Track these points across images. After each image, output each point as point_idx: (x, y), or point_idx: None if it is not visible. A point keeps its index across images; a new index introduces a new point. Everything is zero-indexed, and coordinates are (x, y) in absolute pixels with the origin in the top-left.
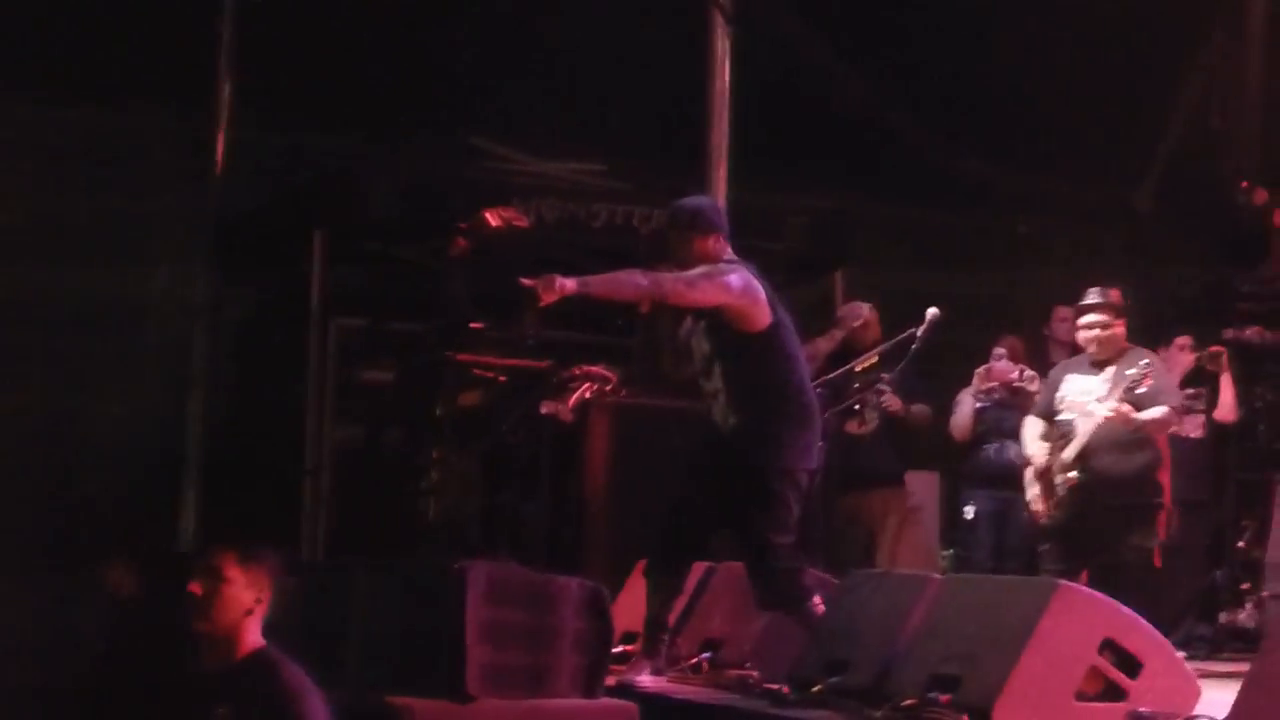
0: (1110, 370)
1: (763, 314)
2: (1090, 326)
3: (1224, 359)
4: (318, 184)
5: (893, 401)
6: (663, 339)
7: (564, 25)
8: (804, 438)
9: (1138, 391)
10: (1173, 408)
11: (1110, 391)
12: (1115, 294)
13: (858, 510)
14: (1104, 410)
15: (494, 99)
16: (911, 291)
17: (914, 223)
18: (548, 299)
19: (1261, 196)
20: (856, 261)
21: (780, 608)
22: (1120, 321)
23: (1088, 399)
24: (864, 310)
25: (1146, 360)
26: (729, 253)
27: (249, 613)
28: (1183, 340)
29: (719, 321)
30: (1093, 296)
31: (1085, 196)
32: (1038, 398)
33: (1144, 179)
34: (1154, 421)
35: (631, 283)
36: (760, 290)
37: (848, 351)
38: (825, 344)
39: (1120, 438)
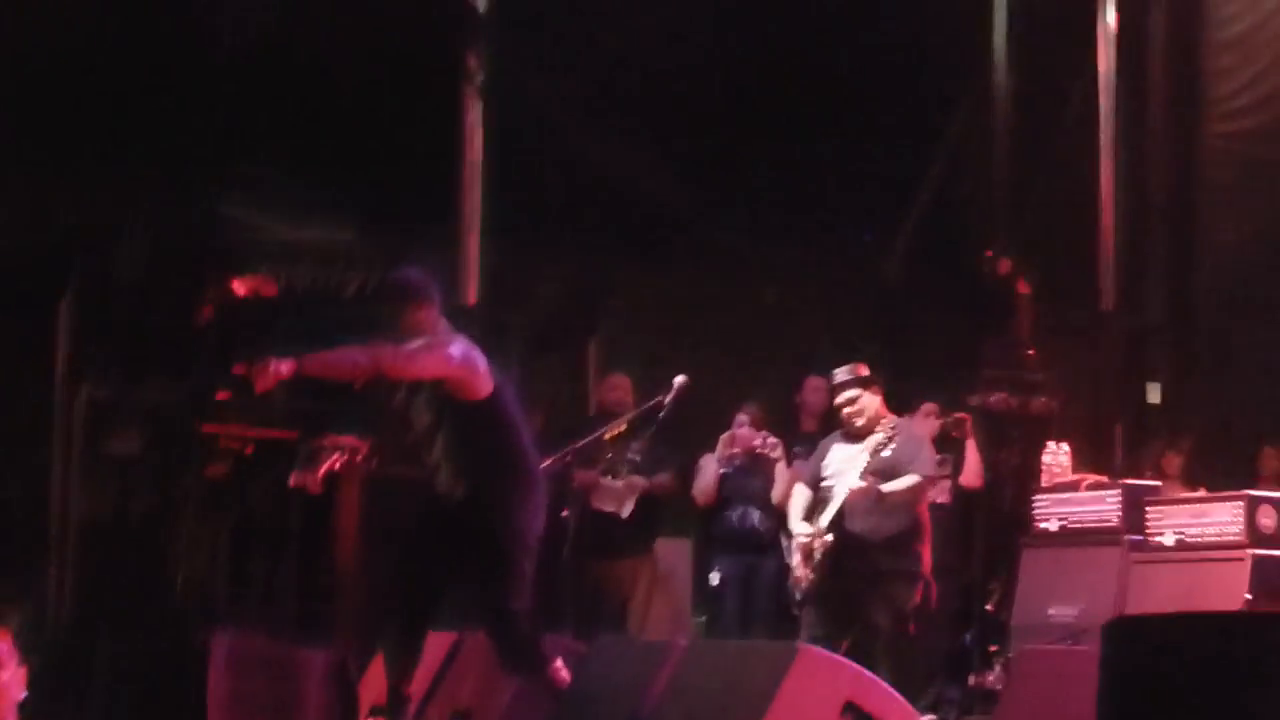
0: (870, 440)
1: (483, 383)
2: (846, 404)
3: (968, 425)
4: (64, 251)
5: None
6: (378, 408)
7: (313, 90)
8: (531, 502)
9: (883, 455)
10: (925, 476)
11: (863, 461)
12: (862, 368)
13: (608, 579)
14: (848, 484)
15: (242, 165)
16: (662, 359)
17: (665, 291)
18: (263, 385)
19: (1005, 266)
20: (609, 330)
21: (521, 673)
22: (873, 389)
23: (848, 468)
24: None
25: (893, 425)
26: (443, 323)
27: None
28: (928, 407)
29: (441, 392)
30: (841, 375)
31: (833, 265)
32: (806, 466)
33: (891, 248)
34: (900, 492)
35: (349, 360)
36: (479, 359)
37: (600, 419)
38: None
39: (874, 505)
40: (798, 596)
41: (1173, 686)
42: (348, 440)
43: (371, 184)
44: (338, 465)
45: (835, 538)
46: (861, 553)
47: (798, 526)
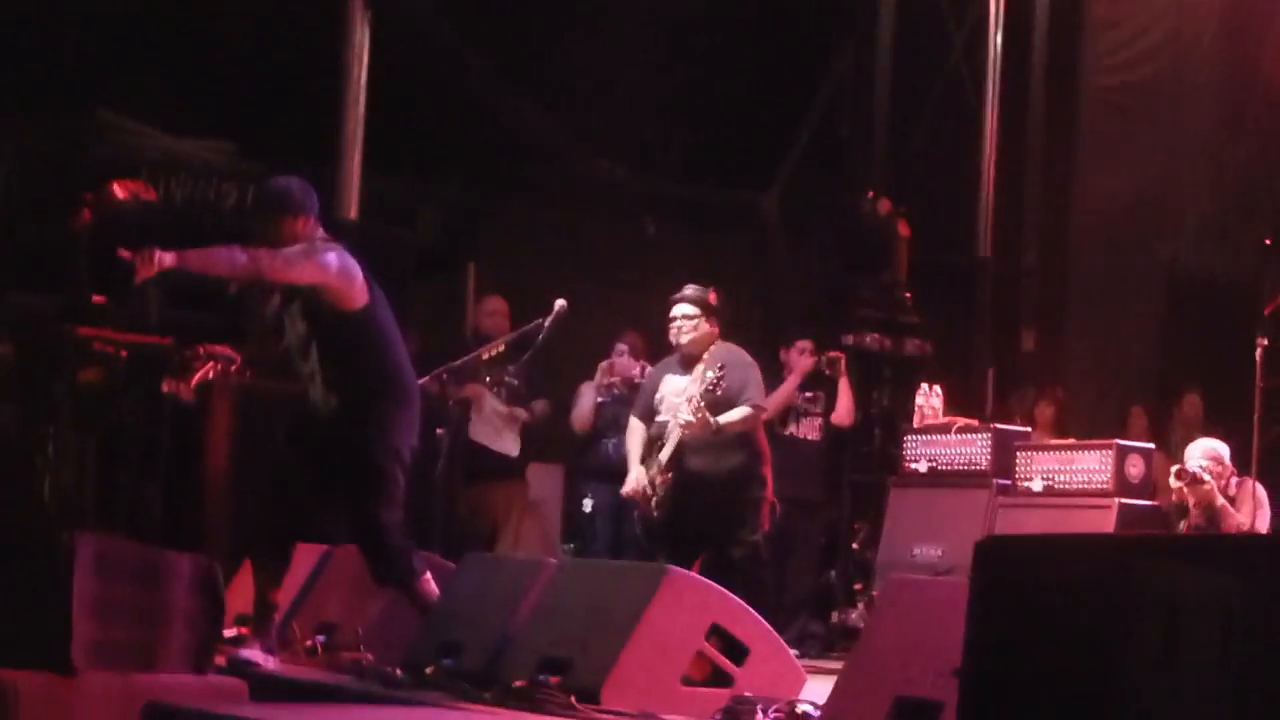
0: (699, 369)
1: (359, 293)
2: (675, 319)
3: (842, 364)
4: None
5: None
6: (251, 318)
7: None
8: (405, 415)
9: (717, 394)
10: (755, 404)
11: (694, 394)
12: (710, 293)
13: (481, 502)
14: (683, 417)
15: (123, 73)
16: (541, 287)
17: (545, 220)
18: (145, 273)
19: (886, 206)
20: (489, 256)
21: (392, 583)
22: (711, 320)
23: (679, 400)
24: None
25: (721, 364)
26: (320, 233)
27: None
28: (803, 344)
29: (315, 301)
30: (687, 290)
31: (712, 200)
32: (636, 401)
33: (771, 185)
34: (735, 423)
35: (229, 258)
36: (357, 270)
37: (477, 341)
38: None
39: (710, 438)
40: (646, 539)
41: (1042, 605)
42: (221, 350)
43: (254, 98)
44: (211, 374)
45: (675, 476)
46: (704, 488)
47: (634, 469)
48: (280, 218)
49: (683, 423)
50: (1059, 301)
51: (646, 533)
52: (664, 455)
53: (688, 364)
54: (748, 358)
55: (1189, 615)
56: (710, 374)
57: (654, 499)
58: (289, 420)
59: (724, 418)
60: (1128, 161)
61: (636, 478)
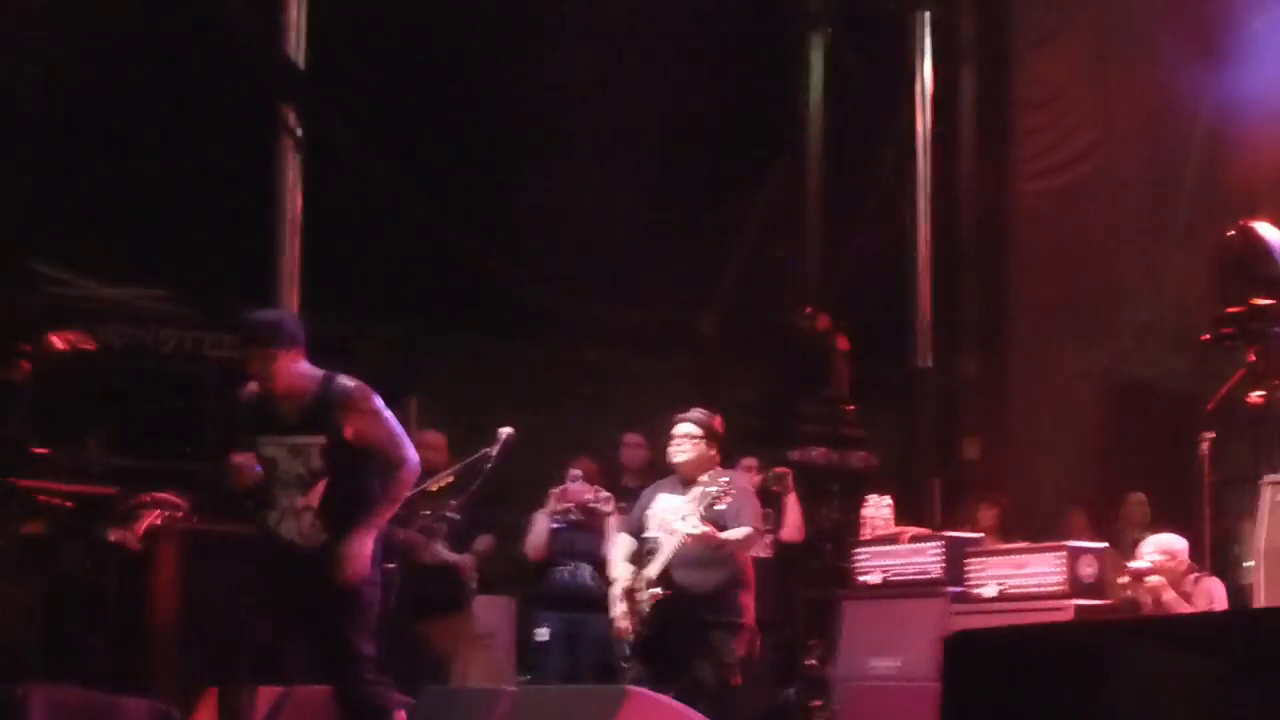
0: (696, 490)
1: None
2: (677, 437)
3: (789, 480)
4: None
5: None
6: (222, 453)
7: (124, 148)
8: (375, 546)
9: (717, 509)
10: (755, 528)
11: (693, 510)
12: (717, 418)
13: (428, 637)
14: (686, 529)
15: (54, 224)
16: (484, 420)
17: (484, 351)
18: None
19: (824, 321)
20: (430, 389)
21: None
22: (712, 444)
23: (673, 517)
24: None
25: (726, 478)
26: (308, 365)
27: None
28: (748, 462)
29: (355, 447)
30: (694, 412)
31: (650, 323)
32: (628, 516)
33: (708, 306)
34: (737, 542)
35: (400, 491)
36: None
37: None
38: None
39: (701, 555)
40: (626, 650)
41: (1015, 696)
42: (167, 497)
43: (187, 242)
44: (158, 521)
45: (663, 589)
46: (687, 605)
47: (619, 570)
48: (275, 351)
49: (692, 533)
50: (1000, 409)
51: (622, 651)
52: (652, 569)
53: (684, 484)
54: (746, 484)
55: (1165, 698)
56: (713, 489)
57: (638, 616)
58: (248, 561)
59: (727, 534)
60: (1061, 267)
61: (626, 574)
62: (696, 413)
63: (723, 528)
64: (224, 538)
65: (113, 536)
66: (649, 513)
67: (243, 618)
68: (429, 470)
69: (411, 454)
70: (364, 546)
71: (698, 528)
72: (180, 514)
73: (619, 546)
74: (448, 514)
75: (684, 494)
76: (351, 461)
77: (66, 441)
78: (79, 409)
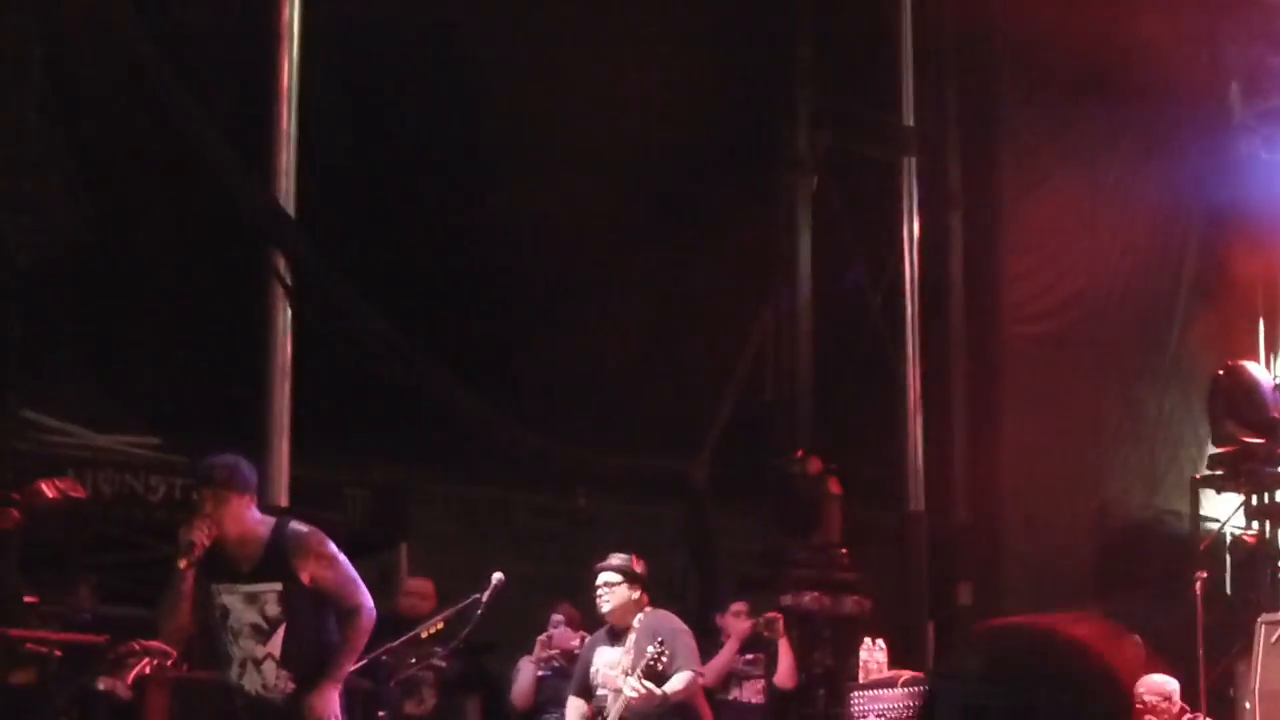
0: (630, 639)
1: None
2: (600, 586)
3: (780, 625)
4: None
5: None
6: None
7: (115, 295)
8: (341, 697)
9: (658, 669)
10: (695, 671)
11: (633, 667)
12: (635, 561)
13: None
14: (628, 691)
15: (43, 373)
16: (474, 566)
17: (475, 497)
18: None
19: (816, 465)
20: (420, 535)
21: None
22: (634, 586)
23: (615, 672)
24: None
25: (660, 637)
26: (259, 513)
27: None
28: (739, 607)
29: (312, 592)
30: (612, 559)
31: (641, 469)
32: (573, 678)
33: (699, 452)
34: (680, 691)
35: (359, 640)
36: None
37: (401, 624)
38: None
39: (650, 711)
40: None
41: None
42: (156, 645)
43: (176, 391)
44: (147, 670)
45: None
46: None
47: None
48: (228, 495)
49: (631, 695)
50: (993, 553)
51: None
52: None
53: (616, 635)
54: (678, 623)
55: None
56: (651, 649)
57: None
58: (224, 710)
59: (668, 687)
60: (1051, 409)
61: None
62: (614, 559)
63: (664, 676)
64: (213, 685)
65: (102, 685)
66: (593, 670)
67: None
68: (416, 618)
69: (367, 600)
70: (331, 698)
71: (638, 690)
72: (170, 662)
73: (571, 711)
74: (435, 662)
75: (619, 645)
76: (310, 608)
77: (56, 589)
78: (68, 557)
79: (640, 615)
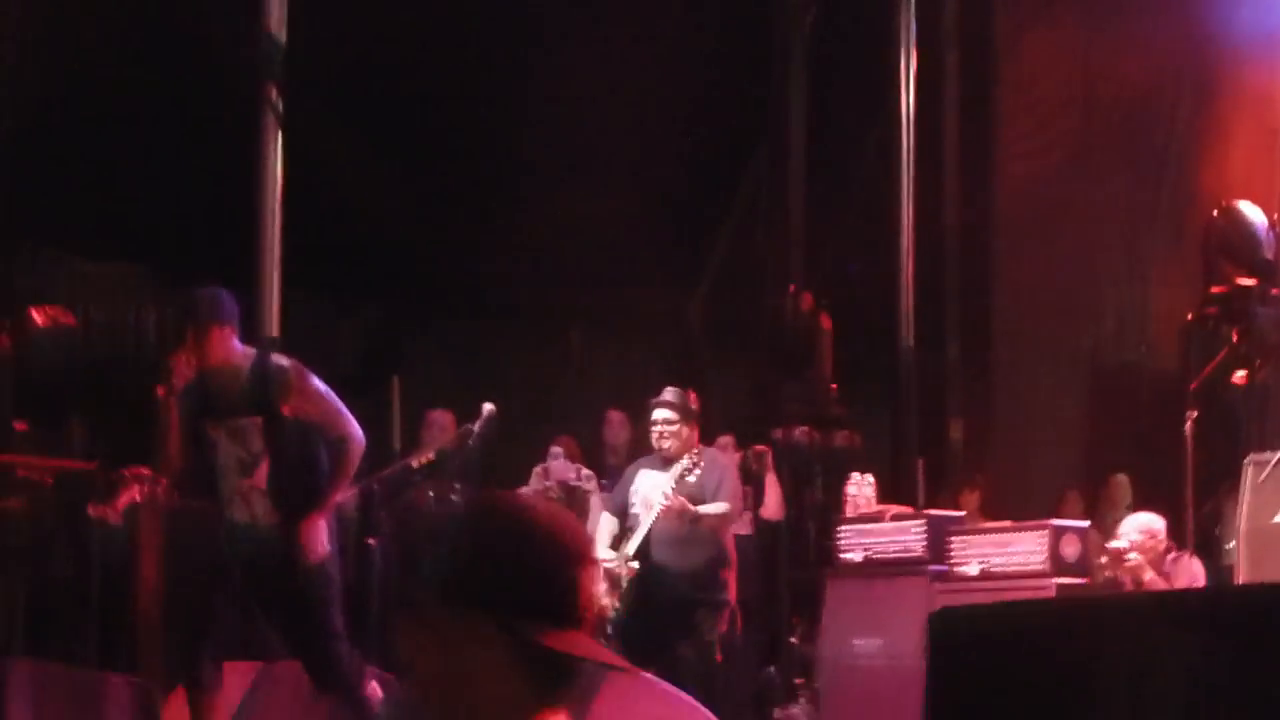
0: (678, 467)
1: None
2: (657, 423)
3: (768, 458)
4: None
5: None
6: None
7: (109, 124)
8: (328, 521)
9: (689, 480)
10: (733, 505)
11: (670, 485)
12: (690, 395)
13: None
14: (661, 500)
15: (35, 199)
16: (468, 400)
17: (469, 333)
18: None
19: (808, 302)
20: (414, 371)
21: (336, 691)
22: (692, 424)
23: (655, 494)
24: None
25: (698, 451)
26: (239, 345)
27: None
28: (724, 440)
29: (294, 423)
30: (666, 394)
31: (636, 307)
32: (612, 494)
33: (692, 289)
34: (713, 516)
35: (349, 468)
36: None
37: (397, 457)
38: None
39: (681, 533)
40: (608, 629)
41: (1003, 673)
42: (146, 472)
43: (170, 221)
44: (138, 497)
45: (641, 566)
46: (668, 582)
47: (604, 553)
48: (210, 326)
49: (661, 506)
50: (984, 391)
51: (607, 627)
52: (631, 545)
53: (668, 464)
54: (725, 460)
55: (1153, 675)
56: (684, 464)
57: (618, 590)
58: (215, 540)
59: (702, 508)
60: (1045, 248)
61: (609, 556)
62: (670, 394)
63: (700, 502)
64: (204, 514)
65: (93, 511)
66: (633, 489)
67: (211, 597)
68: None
69: (355, 430)
70: (319, 527)
71: (670, 500)
72: (161, 490)
73: (602, 525)
74: (452, 495)
75: (666, 471)
76: (295, 440)
77: (48, 423)
78: (60, 387)
79: (695, 450)
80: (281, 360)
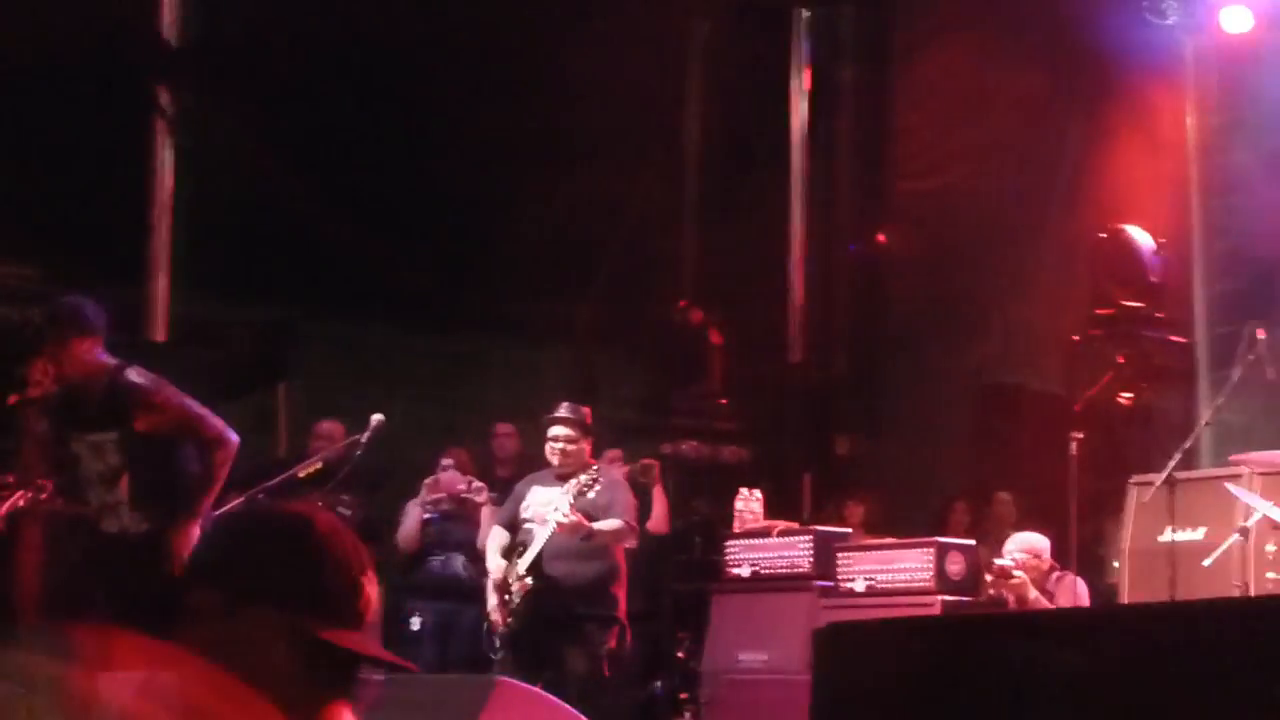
0: (572, 484)
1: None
2: (556, 439)
3: (655, 471)
4: None
5: None
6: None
7: None
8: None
9: (589, 497)
10: (628, 522)
11: (565, 500)
12: (585, 411)
13: None
14: (557, 518)
15: None
16: (356, 406)
17: (358, 337)
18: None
19: (698, 316)
20: (301, 375)
21: None
22: (587, 439)
23: (548, 509)
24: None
25: (596, 468)
26: (104, 355)
27: None
28: (613, 453)
29: (148, 436)
30: (563, 411)
31: (527, 314)
32: (502, 509)
33: (584, 298)
34: (607, 533)
35: (220, 472)
36: None
37: (276, 468)
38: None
39: (575, 548)
40: (495, 641)
41: (888, 688)
42: (20, 477)
43: (59, 221)
44: (21, 502)
45: (534, 581)
46: (559, 596)
47: (494, 562)
48: (70, 337)
49: (558, 522)
50: (872, 407)
51: (494, 643)
52: (524, 561)
53: (561, 478)
54: (620, 477)
55: (1030, 690)
56: (583, 480)
57: (509, 605)
58: (85, 548)
59: (598, 525)
60: (934, 267)
61: (500, 567)
62: (567, 410)
63: (594, 519)
64: (83, 520)
65: None
66: (524, 505)
67: (80, 605)
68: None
69: (224, 432)
70: (190, 534)
71: (568, 517)
72: (45, 495)
73: (493, 538)
74: (340, 509)
75: (559, 486)
76: (157, 451)
77: None
78: None
79: (595, 467)
80: (135, 379)
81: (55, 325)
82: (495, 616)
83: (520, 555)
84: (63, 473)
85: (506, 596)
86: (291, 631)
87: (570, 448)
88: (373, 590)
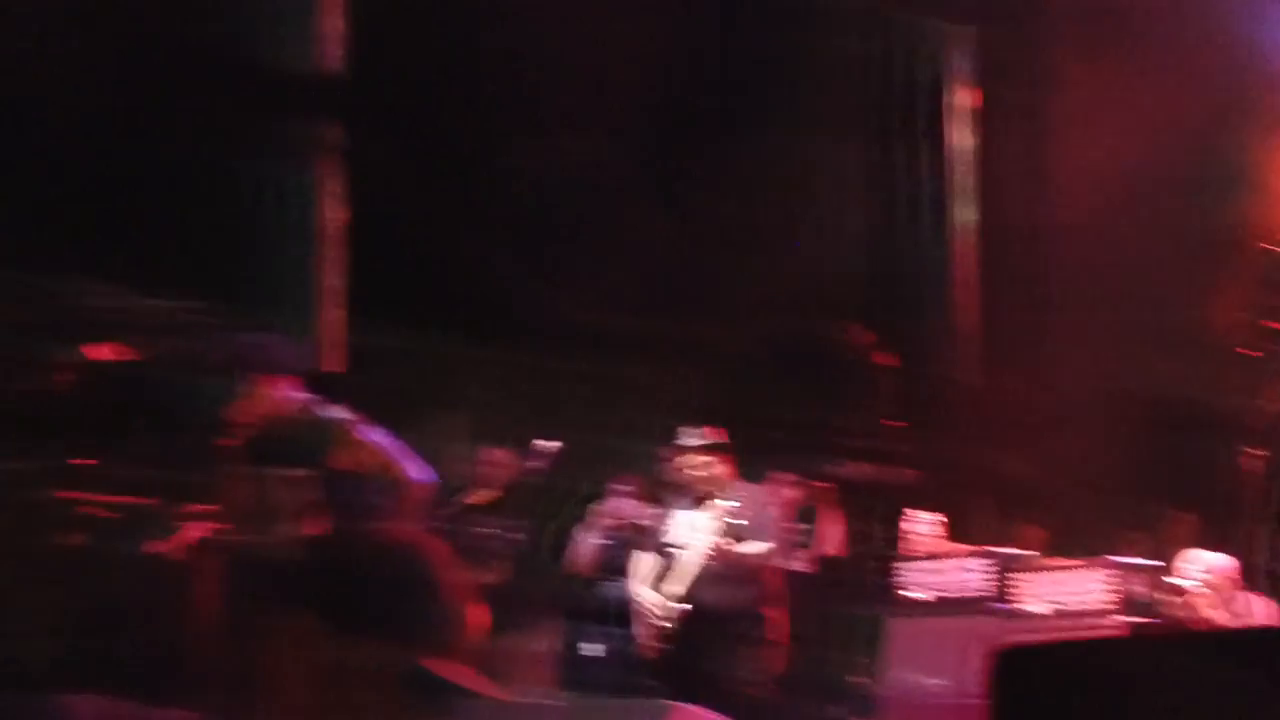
0: (715, 505)
1: None
2: (693, 466)
3: (829, 496)
4: None
5: None
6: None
7: (169, 159)
8: None
9: (732, 519)
10: (774, 543)
11: (711, 526)
12: (714, 432)
13: None
14: (703, 545)
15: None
16: (510, 434)
17: (527, 365)
18: None
19: (867, 337)
20: (472, 403)
21: None
22: (723, 458)
23: (692, 534)
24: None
25: (736, 487)
26: (299, 390)
27: None
28: (784, 477)
29: (349, 469)
30: (692, 438)
31: (693, 340)
32: (649, 535)
33: (748, 320)
34: (754, 556)
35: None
36: None
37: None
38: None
39: (723, 572)
40: (647, 667)
41: (1071, 712)
42: (208, 508)
43: (231, 254)
44: (199, 534)
45: (682, 606)
46: (710, 622)
47: (645, 594)
48: (265, 374)
49: (707, 550)
50: (1045, 425)
51: (648, 668)
52: (674, 587)
53: (700, 500)
54: (764, 497)
55: (1216, 712)
56: (729, 505)
57: (660, 633)
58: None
59: (744, 547)
60: (1101, 281)
61: (652, 600)
62: (697, 433)
63: (739, 540)
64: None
65: (153, 548)
66: (672, 528)
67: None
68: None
69: (417, 472)
70: None
71: (714, 546)
72: (222, 526)
73: (641, 565)
74: (508, 534)
75: (702, 510)
76: (346, 487)
77: (104, 454)
78: (118, 421)
79: (734, 487)
80: (330, 412)
81: (247, 364)
82: (647, 643)
83: (666, 580)
84: (253, 507)
85: (657, 622)
86: (392, 658)
87: (707, 472)
88: (477, 619)
